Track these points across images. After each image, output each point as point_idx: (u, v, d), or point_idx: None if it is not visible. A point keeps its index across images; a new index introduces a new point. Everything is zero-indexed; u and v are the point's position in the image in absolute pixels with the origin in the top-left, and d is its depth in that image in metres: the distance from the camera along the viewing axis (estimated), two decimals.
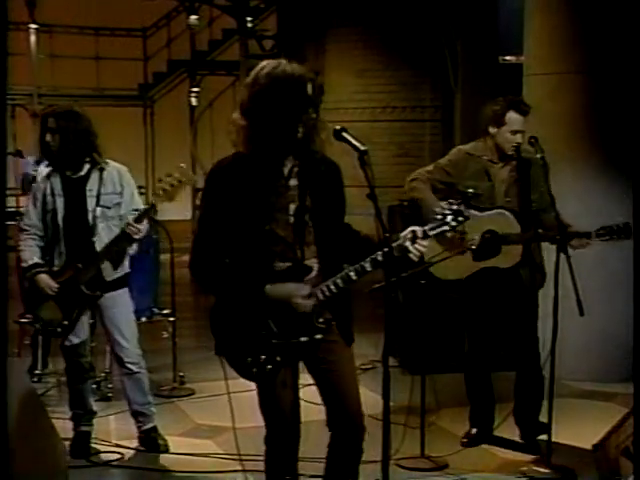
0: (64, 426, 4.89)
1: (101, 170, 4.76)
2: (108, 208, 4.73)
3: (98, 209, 4.71)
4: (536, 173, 4.68)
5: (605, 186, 6.20)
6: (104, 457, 4.86)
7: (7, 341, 2.76)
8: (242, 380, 3.41)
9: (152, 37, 14.92)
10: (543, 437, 4.67)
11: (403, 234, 3.20)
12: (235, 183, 3.21)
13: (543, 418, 4.74)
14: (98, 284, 4.72)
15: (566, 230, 4.50)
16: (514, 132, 4.70)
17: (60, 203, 4.71)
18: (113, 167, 4.81)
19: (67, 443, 4.78)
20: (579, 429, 5.11)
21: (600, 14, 6.16)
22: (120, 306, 4.85)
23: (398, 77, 11.46)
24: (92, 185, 4.73)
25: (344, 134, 3.14)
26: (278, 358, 3.26)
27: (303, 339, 3.28)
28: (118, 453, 4.90)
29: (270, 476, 3.50)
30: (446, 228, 3.21)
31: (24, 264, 4.76)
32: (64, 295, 4.69)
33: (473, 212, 4.72)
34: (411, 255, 3.17)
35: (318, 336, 3.29)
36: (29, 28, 13.52)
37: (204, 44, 14.34)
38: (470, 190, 4.72)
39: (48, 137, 4.69)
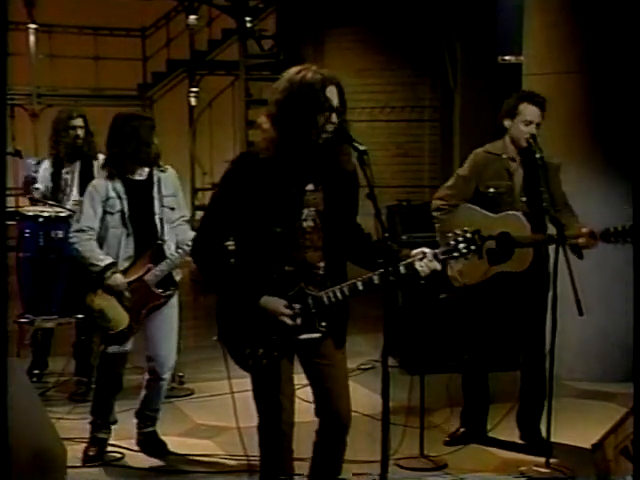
0: (64, 426, 4.89)
1: (161, 171, 4.81)
2: (172, 209, 4.79)
3: (164, 210, 4.75)
4: (549, 174, 4.70)
5: (604, 186, 6.20)
6: (104, 457, 4.84)
7: (7, 341, 2.76)
8: (244, 380, 3.46)
9: (151, 37, 14.87)
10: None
11: (414, 252, 3.31)
12: (253, 181, 3.26)
13: (542, 425, 4.76)
14: (169, 282, 4.75)
15: (563, 229, 4.50)
16: (527, 123, 4.72)
17: (126, 206, 4.68)
18: (170, 170, 4.87)
19: (67, 443, 4.77)
20: (578, 429, 5.11)
21: (599, 14, 6.16)
22: (171, 308, 4.86)
23: (397, 77, 11.44)
24: (156, 187, 4.76)
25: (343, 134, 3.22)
26: (275, 353, 3.32)
27: (302, 337, 3.35)
28: (118, 453, 4.90)
29: (265, 466, 3.53)
30: (456, 255, 3.31)
31: (98, 262, 4.62)
32: (132, 296, 4.67)
33: (486, 213, 4.75)
34: (418, 269, 3.27)
35: (316, 335, 3.36)
36: (28, 28, 13.49)
37: (203, 44, 14.29)
38: (490, 190, 4.77)
39: (124, 140, 4.67)
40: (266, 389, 3.38)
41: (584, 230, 4.54)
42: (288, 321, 3.29)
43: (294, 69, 3.29)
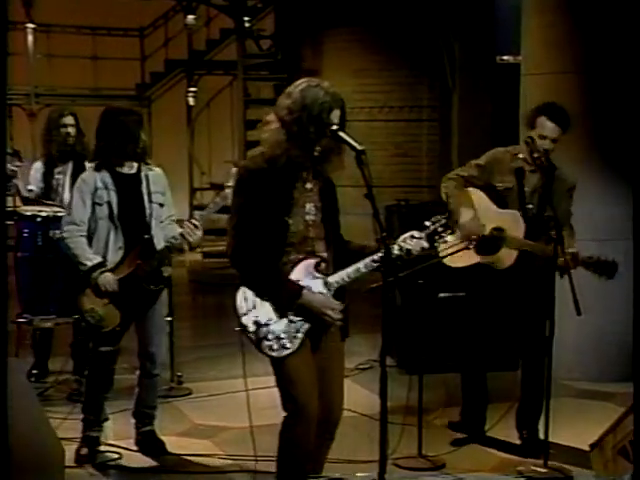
0: (62, 426, 4.89)
1: (149, 169, 4.83)
2: (160, 206, 4.81)
3: (153, 205, 4.77)
4: (559, 190, 4.70)
5: (601, 186, 6.20)
6: (103, 457, 4.83)
7: (7, 341, 2.76)
8: (253, 379, 3.57)
9: (149, 37, 14.87)
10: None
11: (402, 237, 3.64)
12: (263, 182, 3.50)
13: (540, 425, 4.76)
14: (159, 279, 4.77)
15: (562, 240, 4.50)
16: (542, 137, 4.69)
17: (114, 198, 4.69)
18: (157, 169, 4.90)
19: (65, 443, 4.77)
20: (576, 429, 5.11)
21: (596, 14, 6.16)
22: (160, 304, 4.88)
23: (395, 77, 11.45)
24: (145, 182, 4.78)
25: (341, 134, 3.31)
26: (299, 335, 3.49)
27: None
28: (116, 453, 4.90)
29: (284, 464, 3.59)
30: (437, 237, 3.75)
31: (86, 262, 4.63)
32: (124, 293, 4.66)
33: (492, 206, 4.78)
34: (409, 247, 3.60)
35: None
36: (26, 28, 13.47)
37: (201, 44, 14.28)
38: (500, 184, 4.80)
39: (111, 133, 4.69)
40: (289, 374, 3.49)
41: (569, 250, 4.53)
42: (332, 315, 3.48)
43: (308, 82, 3.52)
